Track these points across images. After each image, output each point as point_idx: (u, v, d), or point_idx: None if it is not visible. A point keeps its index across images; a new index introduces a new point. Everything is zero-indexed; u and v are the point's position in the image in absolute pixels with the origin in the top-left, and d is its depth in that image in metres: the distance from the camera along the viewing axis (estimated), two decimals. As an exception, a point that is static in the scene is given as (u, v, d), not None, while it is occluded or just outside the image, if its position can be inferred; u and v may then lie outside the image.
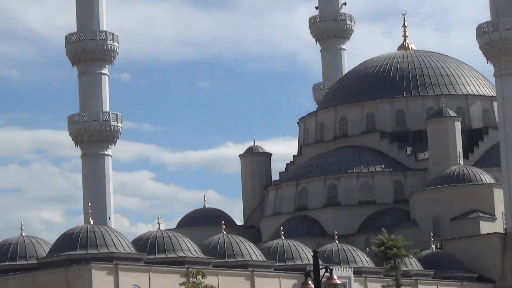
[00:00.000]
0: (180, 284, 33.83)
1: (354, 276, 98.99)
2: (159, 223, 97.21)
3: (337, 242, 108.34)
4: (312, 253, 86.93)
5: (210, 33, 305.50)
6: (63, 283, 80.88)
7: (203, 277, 23.54)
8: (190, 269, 55.10)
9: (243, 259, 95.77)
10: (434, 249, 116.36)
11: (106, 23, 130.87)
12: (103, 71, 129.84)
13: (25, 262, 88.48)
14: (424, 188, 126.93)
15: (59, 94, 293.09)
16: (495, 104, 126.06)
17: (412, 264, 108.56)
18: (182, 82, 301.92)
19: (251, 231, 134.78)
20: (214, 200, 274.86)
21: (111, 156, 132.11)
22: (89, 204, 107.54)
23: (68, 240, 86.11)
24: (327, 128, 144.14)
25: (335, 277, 22.91)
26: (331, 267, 13.02)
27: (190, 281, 23.32)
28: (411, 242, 53.66)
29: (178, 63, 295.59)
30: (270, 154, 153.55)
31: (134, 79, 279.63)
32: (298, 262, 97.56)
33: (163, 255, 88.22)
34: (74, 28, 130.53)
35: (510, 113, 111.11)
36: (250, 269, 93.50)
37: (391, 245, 35.62)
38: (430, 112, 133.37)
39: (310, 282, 21.58)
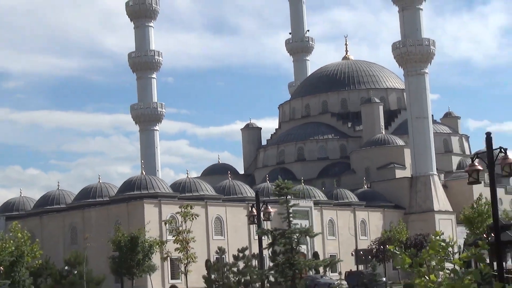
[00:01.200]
0: (176, 213, 36.32)
1: (313, 206, 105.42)
2: (187, 173, 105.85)
3: (303, 184, 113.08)
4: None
5: (223, 50, 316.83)
6: (125, 213, 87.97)
7: (191, 208, 26.86)
8: (186, 203, 60.09)
9: (242, 196, 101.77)
10: (366, 188, 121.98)
11: (154, 45, 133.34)
12: (153, 76, 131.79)
13: (101, 199, 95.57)
14: (359, 148, 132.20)
15: (126, 91, 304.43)
16: (404, 94, 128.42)
17: (351, 197, 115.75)
18: (206, 82, 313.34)
19: (248, 178, 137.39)
20: (226, 158, 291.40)
21: (158, 130, 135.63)
22: (142, 161, 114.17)
23: (129, 185, 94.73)
24: (297, 111, 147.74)
25: (269, 208, 28.74)
26: (269, 202, 15.72)
27: (182, 210, 26.57)
28: (293, 184, 57.48)
29: (203, 70, 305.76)
30: (260, 128, 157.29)
31: (175, 81, 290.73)
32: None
33: (190, 194, 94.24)
34: (133, 48, 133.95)
35: (413, 100, 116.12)
36: (247, 202, 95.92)
37: (283, 186, 41.08)
38: (363, 100, 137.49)
39: (254, 211, 27.69)
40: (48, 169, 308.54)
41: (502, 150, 15.84)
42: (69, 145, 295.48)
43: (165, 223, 24.60)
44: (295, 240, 12.64)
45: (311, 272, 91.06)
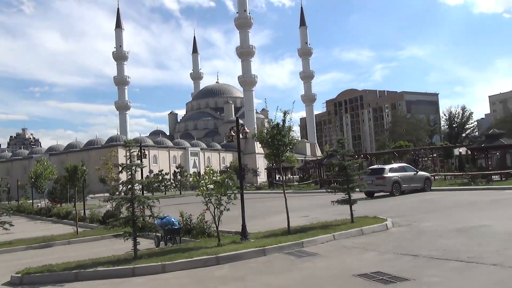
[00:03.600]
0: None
1: (199, 151, 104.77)
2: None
3: (195, 139, 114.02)
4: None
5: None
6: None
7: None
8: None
9: (167, 145, 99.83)
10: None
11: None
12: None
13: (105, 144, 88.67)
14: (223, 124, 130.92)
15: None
16: (243, 99, 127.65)
17: (218, 146, 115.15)
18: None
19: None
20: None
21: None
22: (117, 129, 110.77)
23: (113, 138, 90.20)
24: (196, 105, 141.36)
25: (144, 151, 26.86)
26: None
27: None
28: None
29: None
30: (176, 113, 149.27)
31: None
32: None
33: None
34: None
35: (247, 102, 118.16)
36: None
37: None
38: (225, 102, 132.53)
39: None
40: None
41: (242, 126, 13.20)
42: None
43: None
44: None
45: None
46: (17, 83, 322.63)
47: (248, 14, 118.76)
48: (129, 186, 9.66)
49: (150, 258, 9.52)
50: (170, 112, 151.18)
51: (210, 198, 10.74)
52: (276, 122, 12.04)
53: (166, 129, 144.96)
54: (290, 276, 7.90)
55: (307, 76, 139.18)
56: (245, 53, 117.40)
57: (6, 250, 13.91)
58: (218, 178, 10.76)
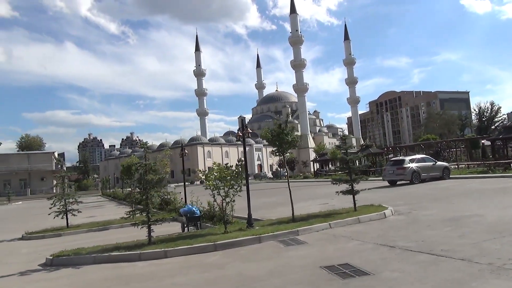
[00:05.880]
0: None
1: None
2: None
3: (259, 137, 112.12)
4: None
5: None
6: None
7: None
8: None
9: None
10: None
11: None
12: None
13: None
14: None
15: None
16: (297, 104, 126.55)
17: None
18: None
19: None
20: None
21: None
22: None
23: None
24: (259, 110, 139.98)
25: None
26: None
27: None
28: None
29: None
30: (244, 117, 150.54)
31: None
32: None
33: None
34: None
35: (301, 106, 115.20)
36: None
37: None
38: (283, 105, 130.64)
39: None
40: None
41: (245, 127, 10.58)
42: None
43: None
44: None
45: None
46: (127, 99, 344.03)
47: (299, 33, 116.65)
48: (142, 182, 9.03)
49: (160, 244, 8.91)
50: (239, 116, 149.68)
51: (218, 191, 9.93)
52: (279, 123, 11.03)
53: (237, 130, 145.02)
54: (265, 265, 6.92)
55: (351, 82, 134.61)
56: (297, 65, 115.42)
57: (72, 232, 13.84)
58: (226, 173, 9.92)
